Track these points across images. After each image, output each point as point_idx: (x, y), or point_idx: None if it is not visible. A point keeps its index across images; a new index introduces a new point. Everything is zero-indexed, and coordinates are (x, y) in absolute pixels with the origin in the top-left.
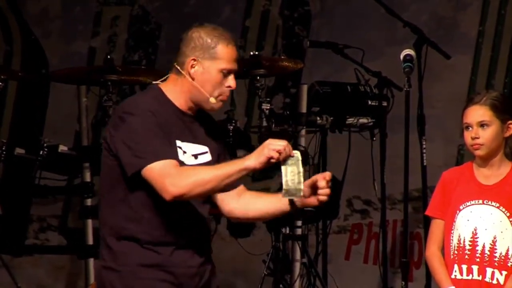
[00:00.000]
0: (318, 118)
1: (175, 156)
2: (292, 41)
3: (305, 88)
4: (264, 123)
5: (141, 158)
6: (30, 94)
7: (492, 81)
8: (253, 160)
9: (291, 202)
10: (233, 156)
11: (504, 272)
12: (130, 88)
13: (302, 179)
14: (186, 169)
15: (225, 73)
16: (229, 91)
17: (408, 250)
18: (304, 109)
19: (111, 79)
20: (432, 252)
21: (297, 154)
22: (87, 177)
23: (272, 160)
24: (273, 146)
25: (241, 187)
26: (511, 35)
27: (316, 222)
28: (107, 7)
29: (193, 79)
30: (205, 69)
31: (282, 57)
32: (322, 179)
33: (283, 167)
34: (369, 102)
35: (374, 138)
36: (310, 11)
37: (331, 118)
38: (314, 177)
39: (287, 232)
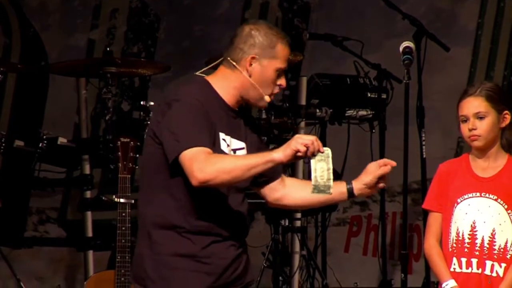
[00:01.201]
0: (318, 110)
1: (210, 145)
2: (291, 33)
3: (304, 80)
4: (264, 116)
5: (179, 143)
6: (29, 86)
7: (491, 73)
8: (280, 153)
9: (349, 190)
10: None
11: (504, 265)
12: (129, 80)
13: (331, 176)
14: (214, 156)
15: (279, 72)
16: (279, 89)
17: (408, 243)
18: (303, 101)
19: (110, 72)
20: (431, 245)
21: (327, 150)
22: (86, 169)
23: (299, 154)
24: (301, 140)
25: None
26: (511, 27)
27: (316, 215)
28: (106, 0)
29: (250, 76)
30: (263, 67)
31: None
32: (389, 165)
33: (312, 163)
34: (369, 94)
35: (374, 130)
36: (309, 4)
37: (331, 110)
38: (380, 169)
39: (287, 224)
